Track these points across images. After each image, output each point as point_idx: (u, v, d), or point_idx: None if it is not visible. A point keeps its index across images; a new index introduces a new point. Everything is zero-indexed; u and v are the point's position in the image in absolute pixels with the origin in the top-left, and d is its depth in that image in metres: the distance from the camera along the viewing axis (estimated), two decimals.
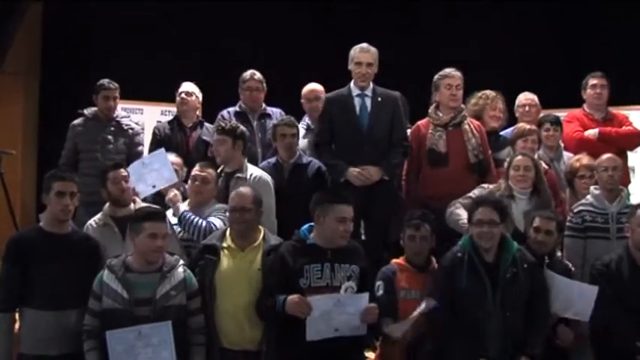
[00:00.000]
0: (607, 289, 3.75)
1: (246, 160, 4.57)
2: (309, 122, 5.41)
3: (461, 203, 4.31)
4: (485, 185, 4.41)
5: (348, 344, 3.52)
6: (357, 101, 4.74)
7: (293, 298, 3.43)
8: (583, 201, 4.45)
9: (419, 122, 4.92)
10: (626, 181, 5.16)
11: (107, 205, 4.15)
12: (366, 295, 3.52)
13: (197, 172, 4.32)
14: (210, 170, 4.35)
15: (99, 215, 4.13)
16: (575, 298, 3.75)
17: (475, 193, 4.34)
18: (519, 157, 4.36)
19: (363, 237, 4.66)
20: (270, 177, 4.51)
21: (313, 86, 5.47)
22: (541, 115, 5.46)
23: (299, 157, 4.82)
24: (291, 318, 3.44)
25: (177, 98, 5.42)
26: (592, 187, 4.47)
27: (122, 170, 4.19)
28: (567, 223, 4.39)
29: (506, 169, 4.40)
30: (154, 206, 4.00)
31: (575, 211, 4.39)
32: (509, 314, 3.56)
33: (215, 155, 4.57)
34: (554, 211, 4.26)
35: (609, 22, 7.06)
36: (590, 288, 3.78)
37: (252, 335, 3.67)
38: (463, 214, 4.13)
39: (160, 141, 5.30)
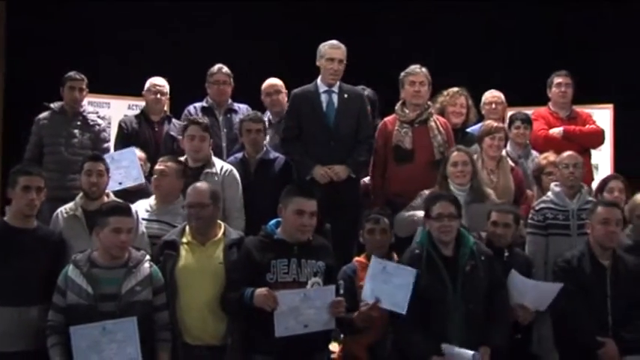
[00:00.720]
0: (569, 285, 3.79)
1: (212, 155, 4.58)
2: (270, 117, 5.41)
3: (407, 210, 4.35)
4: (426, 191, 4.43)
5: (316, 336, 3.52)
6: (324, 97, 4.74)
7: (261, 290, 3.42)
8: (544, 198, 4.51)
9: (386, 119, 4.95)
10: (590, 179, 5.26)
11: (80, 195, 4.09)
12: (332, 288, 3.52)
13: (156, 166, 4.31)
14: (170, 164, 4.29)
15: (70, 204, 4.05)
16: (537, 295, 3.79)
17: (416, 201, 4.36)
18: (456, 153, 4.39)
19: None
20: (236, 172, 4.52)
21: (273, 81, 5.48)
22: (510, 113, 5.54)
23: (266, 152, 4.84)
24: (258, 312, 3.43)
25: (151, 95, 5.37)
26: (552, 185, 4.53)
27: (100, 164, 4.08)
28: (529, 221, 4.44)
29: (442, 166, 4.43)
30: (120, 200, 3.97)
31: (536, 208, 4.44)
32: (472, 307, 3.59)
33: (193, 151, 4.53)
34: (510, 203, 4.34)
35: (574, 22, 7.17)
36: (552, 285, 3.82)
37: (216, 330, 3.65)
38: (417, 213, 4.19)
39: (126, 135, 5.26)
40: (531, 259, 4.19)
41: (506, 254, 3.98)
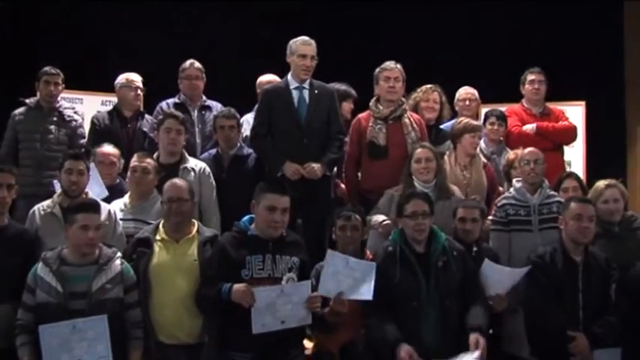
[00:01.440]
0: (541, 280, 3.83)
1: (185, 151, 4.57)
2: None
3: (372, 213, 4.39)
4: (390, 190, 4.46)
5: (291, 332, 3.51)
6: (295, 94, 4.71)
7: (239, 286, 3.41)
8: (506, 194, 4.56)
9: (360, 115, 4.96)
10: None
11: (58, 193, 4.04)
12: (308, 283, 3.52)
13: (136, 163, 4.26)
14: (150, 160, 4.29)
15: (48, 202, 4.01)
16: (506, 280, 3.82)
17: (382, 201, 4.42)
18: (420, 150, 4.44)
19: None
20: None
21: (269, 77, 5.47)
22: (484, 109, 5.57)
23: (239, 148, 4.83)
24: (234, 309, 3.41)
25: (132, 92, 5.32)
26: (514, 180, 4.57)
27: (81, 163, 4.02)
28: (492, 217, 4.48)
29: (406, 163, 4.46)
30: (91, 197, 3.93)
31: (498, 205, 4.48)
32: (447, 303, 3.61)
33: (169, 144, 4.50)
34: (474, 199, 4.38)
35: (547, 19, 7.22)
36: (521, 271, 3.84)
37: (192, 328, 3.63)
38: (380, 217, 4.26)
39: (99, 131, 5.21)
40: (498, 253, 4.21)
41: (474, 249, 4.02)
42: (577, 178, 4.69)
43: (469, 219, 4.05)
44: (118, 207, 4.16)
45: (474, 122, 4.87)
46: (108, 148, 4.59)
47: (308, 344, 4.01)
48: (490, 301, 3.78)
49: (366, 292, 3.55)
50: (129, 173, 4.30)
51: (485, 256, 3.96)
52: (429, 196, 3.94)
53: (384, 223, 4.26)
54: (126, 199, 4.23)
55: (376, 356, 3.64)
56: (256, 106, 5.07)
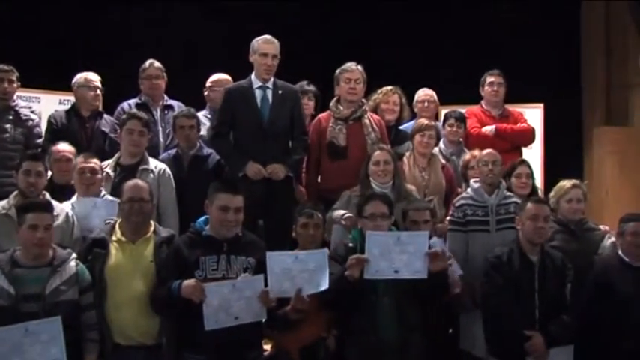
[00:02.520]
0: (497, 280, 3.87)
1: (146, 153, 4.53)
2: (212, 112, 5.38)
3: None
4: (347, 192, 4.48)
5: (247, 334, 3.49)
6: (258, 93, 4.68)
7: (189, 281, 3.38)
8: (464, 194, 4.60)
9: (320, 115, 4.97)
10: None
11: (15, 194, 3.96)
12: (261, 277, 3.48)
13: (84, 165, 4.17)
14: (96, 160, 4.23)
15: (3, 203, 3.94)
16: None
17: (339, 203, 4.44)
18: (377, 152, 4.46)
19: None
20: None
21: (218, 76, 5.47)
22: (444, 111, 5.62)
23: (199, 148, 4.80)
24: (189, 308, 3.38)
25: (91, 91, 5.24)
26: (472, 181, 4.62)
27: (39, 164, 3.96)
28: (449, 218, 4.53)
29: (364, 165, 4.47)
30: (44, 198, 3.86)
31: (456, 205, 4.52)
32: (404, 297, 3.65)
33: (132, 145, 4.45)
34: (431, 200, 4.43)
35: (507, 23, 7.33)
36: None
37: (149, 329, 3.60)
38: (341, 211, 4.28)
39: (56, 130, 5.14)
40: (449, 253, 4.13)
41: None
42: (529, 165, 4.75)
43: (421, 221, 4.09)
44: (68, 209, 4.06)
45: (425, 122, 4.89)
46: (63, 146, 4.50)
47: (266, 345, 4.01)
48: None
49: (322, 281, 3.54)
50: (76, 175, 4.18)
51: None
52: (388, 197, 3.96)
53: (347, 216, 4.26)
54: (74, 199, 4.14)
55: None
56: (207, 105, 5.08)
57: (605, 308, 3.90)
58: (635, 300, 3.90)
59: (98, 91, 5.29)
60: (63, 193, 4.22)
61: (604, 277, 4.00)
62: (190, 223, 3.71)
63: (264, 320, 3.57)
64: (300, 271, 3.53)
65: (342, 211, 4.34)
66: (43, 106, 5.93)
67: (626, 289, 3.93)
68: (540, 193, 5.10)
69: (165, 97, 5.37)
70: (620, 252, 4.10)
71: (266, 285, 3.47)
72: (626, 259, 4.04)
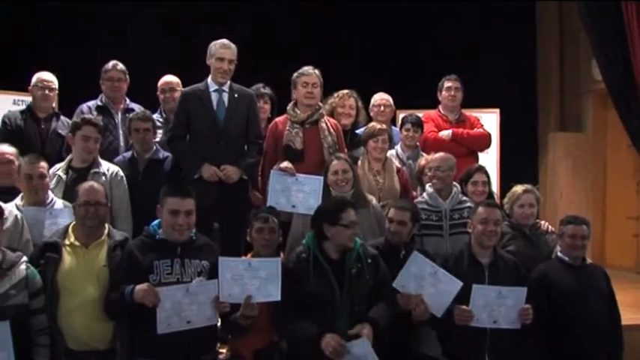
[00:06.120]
0: None
1: (98, 155, 4.48)
2: (165, 114, 5.37)
3: None
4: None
5: (201, 338, 3.48)
6: (214, 96, 4.67)
7: (142, 286, 3.36)
8: (419, 199, 4.64)
9: (276, 119, 4.97)
10: None
11: None
12: (215, 282, 3.48)
13: (30, 171, 4.00)
14: (43, 164, 4.10)
15: None
16: (436, 289, 3.78)
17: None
18: (335, 162, 4.47)
19: None
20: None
21: (168, 78, 5.44)
22: (402, 115, 5.67)
23: (155, 151, 4.78)
24: (142, 312, 3.36)
25: (39, 91, 5.15)
26: (427, 186, 4.66)
27: None
28: None
29: (323, 175, 4.49)
30: None
31: None
32: (357, 308, 3.63)
33: (86, 152, 4.39)
34: (409, 201, 4.41)
35: (464, 27, 7.43)
36: (452, 281, 3.78)
37: (102, 334, 3.56)
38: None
39: (9, 131, 5.05)
40: (432, 255, 4.15)
41: (402, 252, 4.02)
42: (486, 172, 4.81)
43: (396, 220, 4.05)
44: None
45: (377, 127, 4.90)
46: (3, 147, 4.34)
47: (222, 349, 4.01)
48: (412, 307, 3.77)
49: (273, 291, 3.54)
50: (23, 180, 4.04)
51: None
52: (354, 204, 3.91)
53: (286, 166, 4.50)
54: (18, 202, 4.02)
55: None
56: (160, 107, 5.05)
57: (550, 308, 3.97)
58: (577, 297, 4.00)
59: (50, 92, 5.19)
60: (6, 194, 4.06)
61: (545, 279, 4.07)
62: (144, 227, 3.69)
63: (219, 324, 3.57)
64: (252, 279, 3.54)
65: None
66: None
67: (567, 288, 4.02)
68: (496, 198, 5.16)
69: (127, 100, 5.32)
70: (559, 253, 4.19)
71: (218, 289, 3.47)
72: (566, 259, 4.13)
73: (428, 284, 3.76)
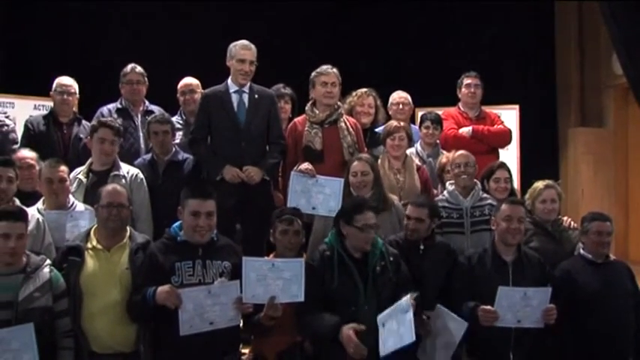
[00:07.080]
0: (458, 283, 3.92)
1: (118, 158, 4.51)
2: (185, 117, 5.37)
3: None
4: None
5: (224, 340, 3.48)
6: (234, 97, 4.67)
7: (163, 288, 3.37)
8: (439, 197, 4.62)
9: (296, 119, 4.96)
10: None
11: None
12: (237, 283, 3.47)
13: (51, 175, 4.07)
14: (63, 167, 4.16)
15: None
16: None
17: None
18: (356, 163, 4.44)
19: None
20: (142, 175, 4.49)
21: (188, 80, 5.45)
22: (420, 113, 5.65)
23: (174, 153, 4.79)
24: (165, 314, 3.37)
25: (58, 96, 5.18)
26: (447, 183, 4.64)
27: (10, 170, 3.90)
28: None
29: (345, 175, 4.48)
30: (16, 205, 3.80)
31: None
32: (382, 306, 3.60)
33: (103, 154, 4.43)
34: (427, 198, 4.39)
35: (483, 25, 7.39)
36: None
37: (125, 337, 3.57)
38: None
39: (32, 136, 5.08)
40: (452, 246, 4.19)
41: (421, 247, 4.04)
42: (508, 169, 4.77)
43: (413, 217, 4.04)
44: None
45: (394, 124, 4.88)
46: (25, 152, 4.43)
47: (244, 350, 4.01)
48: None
49: (297, 292, 3.53)
50: (44, 184, 4.10)
51: (435, 254, 4.02)
52: (375, 207, 3.89)
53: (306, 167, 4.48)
54: (40, 206, 4.07)
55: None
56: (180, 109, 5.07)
57: (574, 307, 3.92)
58: (601, 295, 3.95)
59: (69, 96, 5.21)
60: (27, 199, 4.12)
61: (569, 277, 4.01)
62: (165, 229, 3.70)
63: (241, 325, 3.57)
64: (276, 279, 3.52)
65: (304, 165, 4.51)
66: (17, 112, 5.90)
67: (591, 286, 3.96)
68: (517, 194, 5.12)
69: (146, 103, 5.34)
70: (582, 251, 4.13)
71: (241, 290, 3.47)
72: (589, 257, 4.08)
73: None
